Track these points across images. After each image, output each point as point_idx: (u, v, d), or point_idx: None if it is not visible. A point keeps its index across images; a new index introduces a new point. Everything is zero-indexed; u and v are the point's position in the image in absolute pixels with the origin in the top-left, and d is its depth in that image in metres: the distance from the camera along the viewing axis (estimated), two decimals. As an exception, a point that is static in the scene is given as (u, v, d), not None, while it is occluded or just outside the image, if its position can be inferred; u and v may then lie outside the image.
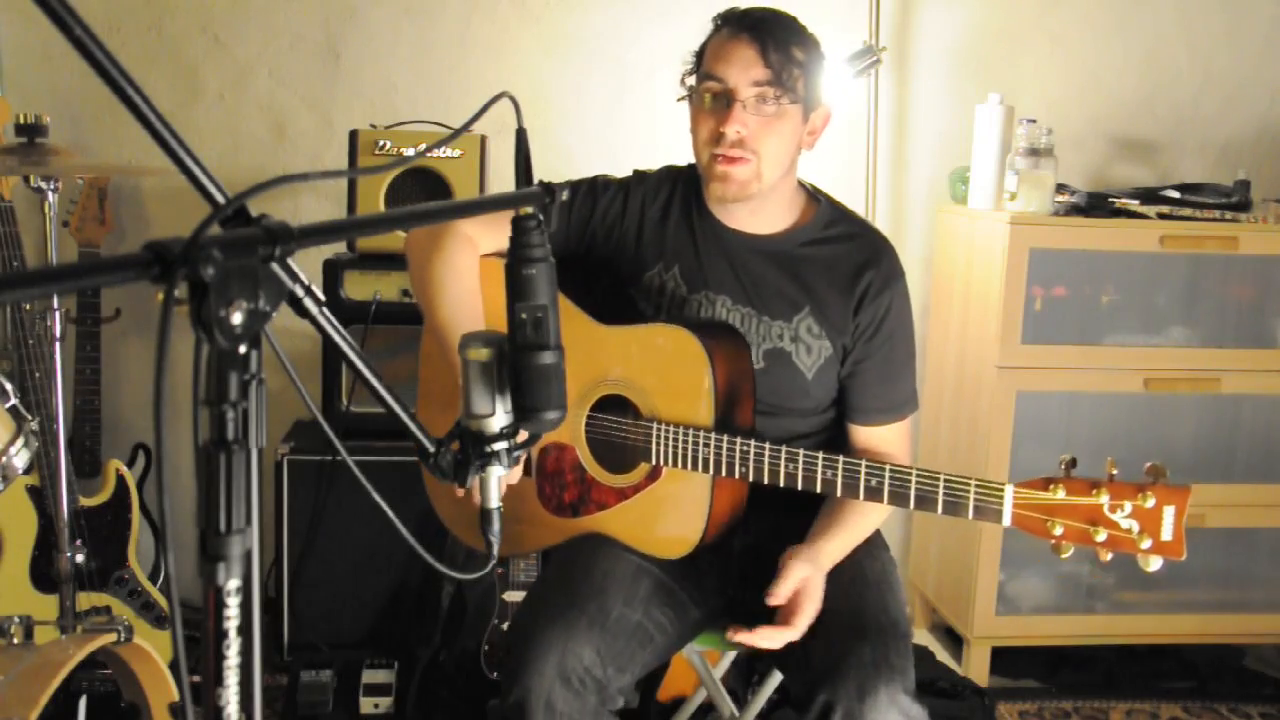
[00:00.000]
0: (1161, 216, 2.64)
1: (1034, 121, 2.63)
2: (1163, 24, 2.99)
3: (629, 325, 1.65)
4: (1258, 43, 3.01)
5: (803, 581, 1.55)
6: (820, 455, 1.52)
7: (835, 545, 1.63)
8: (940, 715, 2.41)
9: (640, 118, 2.84)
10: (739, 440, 1.54)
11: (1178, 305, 2.68)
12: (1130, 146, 3.04)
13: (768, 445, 1.53)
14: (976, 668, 2.70)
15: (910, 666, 1.51)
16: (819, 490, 1.53)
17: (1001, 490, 1.39)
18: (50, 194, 2.13)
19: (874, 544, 1.73)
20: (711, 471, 1.57)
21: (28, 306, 2.28)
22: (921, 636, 2.97)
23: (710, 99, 1.62)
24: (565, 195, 1.01)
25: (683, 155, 1.74)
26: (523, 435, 1.06)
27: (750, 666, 2.46)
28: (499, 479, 1.06)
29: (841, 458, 1.51)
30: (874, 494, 1.49)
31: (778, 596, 1.54)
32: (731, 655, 2.13)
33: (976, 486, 1.41)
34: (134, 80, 0.72)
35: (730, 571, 1.74)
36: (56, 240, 2.19)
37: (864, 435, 1.76)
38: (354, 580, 2.55)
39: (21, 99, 2.71)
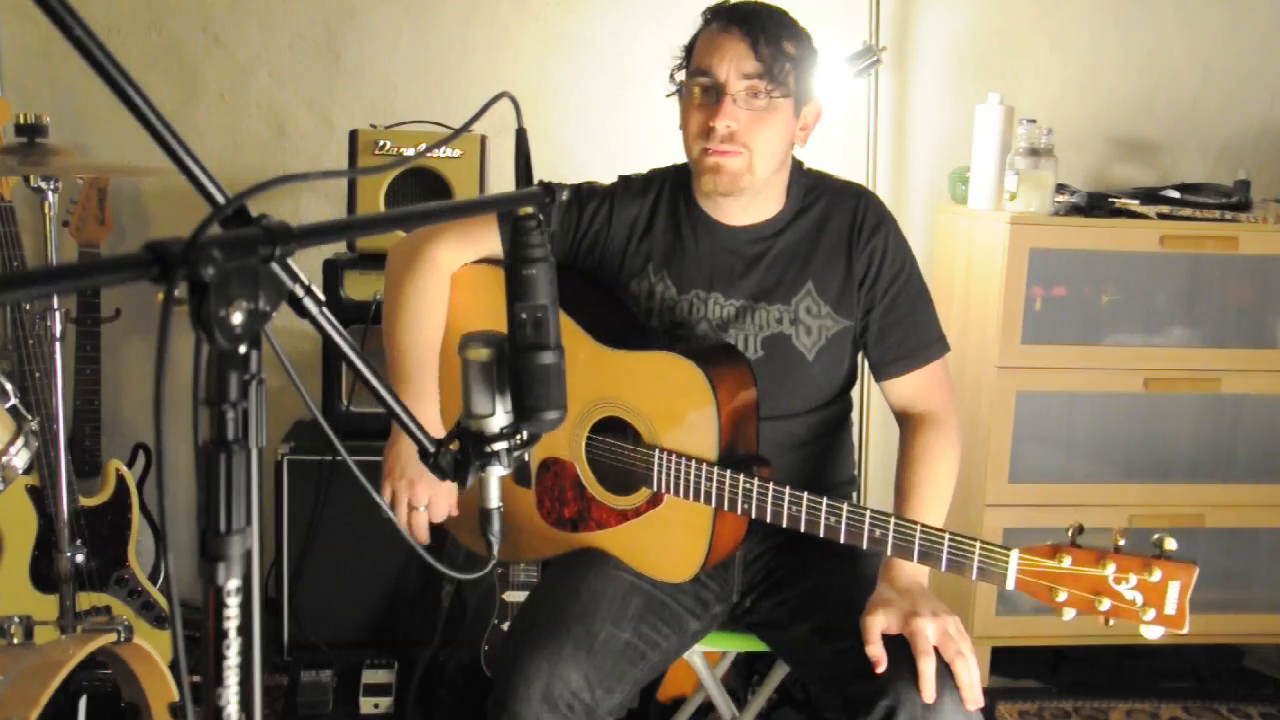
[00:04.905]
0: (1161, 216, 2.64)
1: (1034, 121, 2.63)
2: (1163, 24, 2.99)
3: (634, 350, 1.62)
4: (1258, 43, 3.01)
5: (886, 626, 1.45)
6: (825, 500, 1.47)
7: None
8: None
9: (640, 117, 2.84)
10: (742, 478, 1.51)
11: (1178, 305, 2.68)
12: (1130, 146, 3.04)
13: (771, 485, 1.49)
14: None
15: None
16: (821, 534, 1.48)
17: (1007, 555, 1.36)
18: (50, 194, 2.13)
19: None
20: (714, 505, 1.54)
21: (28, 306, 2.28)
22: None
23: (700, 93, 1.61)
24: (565, 195, 1.01)
25: (683, 155, 1.74)
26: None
27: (750, 667, 2.46)
28: (499, 479, 1.06)
29: (846, 504, 1.46)
30: (878, 544, 1.44)
31: (876, 661, 1.43)
32: (731, 655, 2.13)
33: (981, 549, 1.38)
34: (134, 80, 0.72)
35: (731, 580, 1.73)
36: (56, 240, 2.19)
37: (896, 391, 1.72)
38: (354, 580, 2.55)
39: (21, 99, 2.71)
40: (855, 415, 1.87)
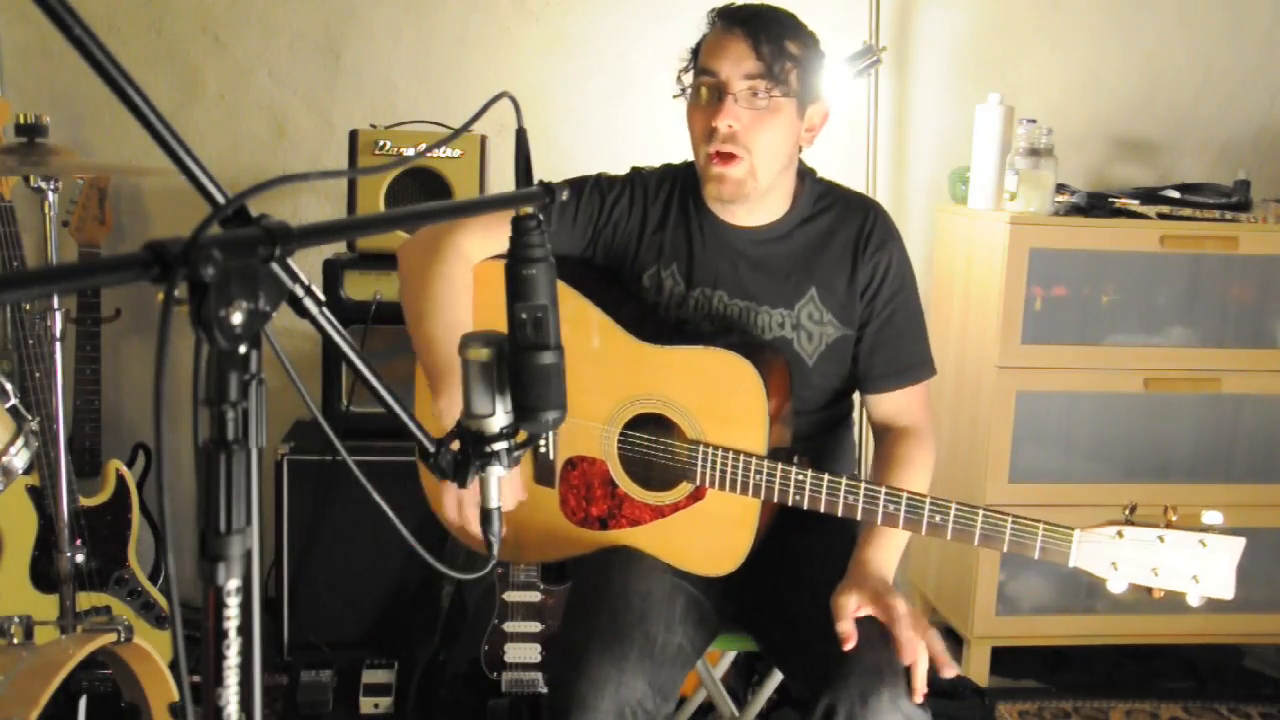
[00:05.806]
0: (1161, 216, 2.64)
1: (1034, 121, 2.63)
2: (1163, 24, 2.99)
3: (674, 345, 1.62)
4: (1258, 43, 3.01)
5: (859, 605, 1.49)
6: (884, 488, 1.49)
7: (875, 550, 1.58)
8: (940, 715, 2.41)
9: (640, 117, 2.84)
10: (794, 470, 1.52)
11: (1178, 305, 2.68)
12: (1130, 146, 3.04)
13: (826, 476, 1.51)
14: (976, 668, 2.70)
15: None
16: (879, 523, 1.50)
17: (1070, 535, 1.40)
18: (50, 194, 2.13)
19: None
20: (763, 497, 1.55)
21: (28, 306, 2.28)
22: (921, 636, 2.97)
23: (704, 94, 1.62)
24: (565, 195, 1.01)
25: (683, 155, 1.74)
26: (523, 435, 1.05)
27: (750, 667, 2.46)
28: (499, 479, 1.06)
29: (905, 491, 1.48)
30: (937, 530, 1.46)
31: (845, 636, 1.47)
32: (731, 655, 2.13)
33: (1045, 529, 1.41)
34: (134, 80, 0.72)
35: (742, 575, 1.73)
36: (56, 240, 2.19)
37: (880, 406, 1.74)
38: (354, 580, 2.55)
39: (21, 99, 2.71)
40: (855, 416, 1.87)
